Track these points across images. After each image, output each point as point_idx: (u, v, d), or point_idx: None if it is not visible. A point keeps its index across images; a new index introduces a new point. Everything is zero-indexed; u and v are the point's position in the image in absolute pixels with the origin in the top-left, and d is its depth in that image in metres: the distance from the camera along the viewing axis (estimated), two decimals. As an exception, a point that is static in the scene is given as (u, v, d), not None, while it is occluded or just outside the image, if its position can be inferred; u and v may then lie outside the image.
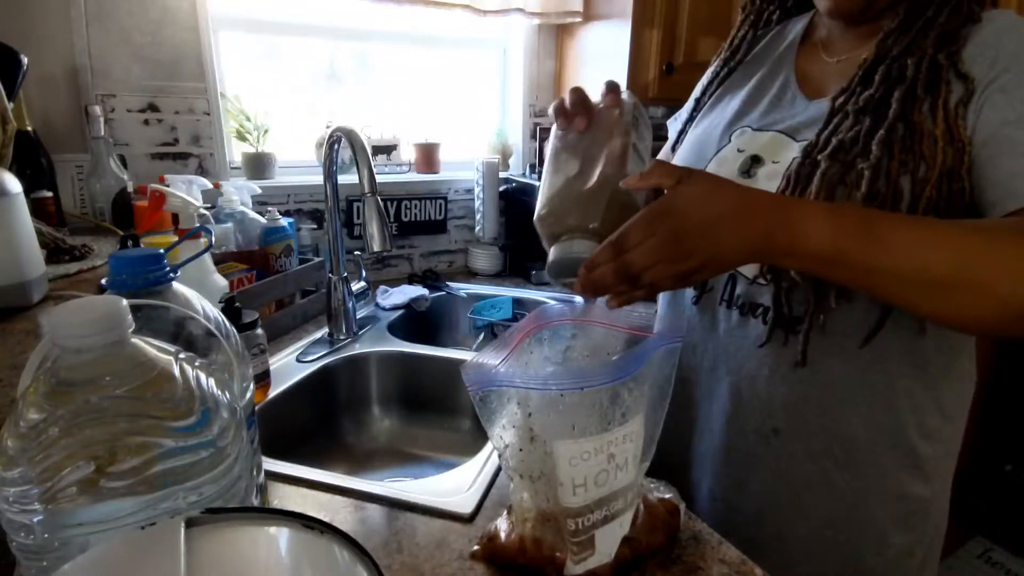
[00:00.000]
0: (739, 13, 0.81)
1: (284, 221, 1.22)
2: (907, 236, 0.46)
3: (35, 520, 0.32)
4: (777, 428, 0.66)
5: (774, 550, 0.66)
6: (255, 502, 0.47)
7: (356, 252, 1.41)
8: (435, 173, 1.71)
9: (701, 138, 0.75)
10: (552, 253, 0.58)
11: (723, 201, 0.46)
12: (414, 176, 1.69)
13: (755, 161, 0.66)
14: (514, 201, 1.71)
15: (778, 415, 0.66)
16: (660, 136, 0.83)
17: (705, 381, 0.72)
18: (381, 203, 0.94)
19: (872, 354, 0.61)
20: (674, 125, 0.87)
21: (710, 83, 0.80)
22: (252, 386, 0.56)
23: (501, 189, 1.69)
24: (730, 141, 0.70)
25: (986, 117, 0.54)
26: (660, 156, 0.89)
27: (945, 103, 0.56)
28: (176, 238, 0.86)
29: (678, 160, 0.78)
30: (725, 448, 0.70)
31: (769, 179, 0.64)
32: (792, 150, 0.63)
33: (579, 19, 1.67)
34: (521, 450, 0.49)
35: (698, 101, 0.81)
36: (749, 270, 0.65)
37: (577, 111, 0.60)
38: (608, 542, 0.50)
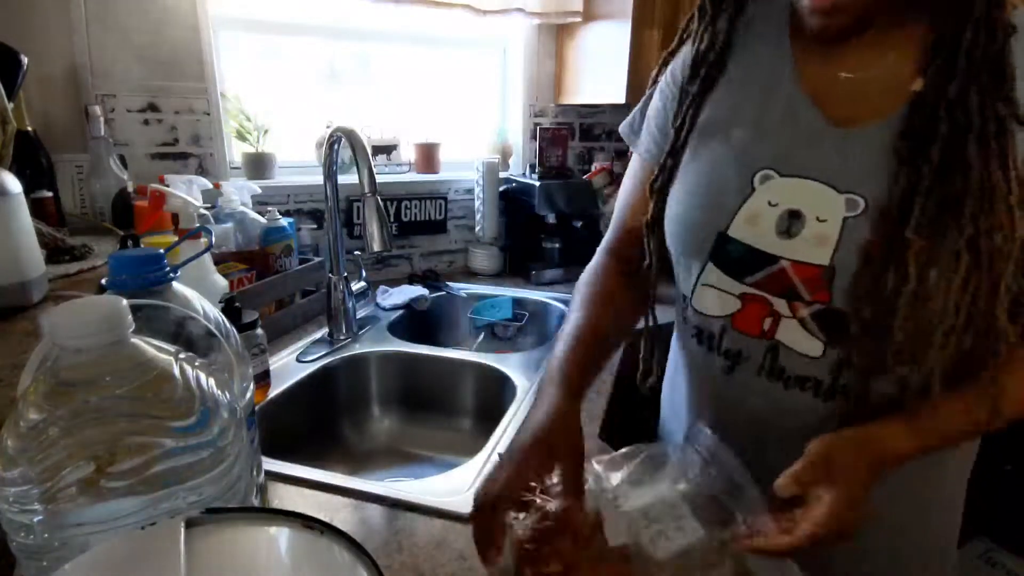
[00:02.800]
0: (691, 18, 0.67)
1: (284, 221, 1.22)
2: (958, 420, 0.55)
3: (35, 520, 0.32)
4: None
5: None
6: (255, 502, 0.47)
7: (356, 252, 1.40)
8: (435, 173, 1.70)
9: (711, 180, 0.63)
10: None
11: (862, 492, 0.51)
12: (414, 176, 1.69)
13: (794, 217, 0.57)
14: (514, 201, 1.71)
15: None
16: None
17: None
18: (381, 203, 0.94)
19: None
20: (640, 148, 0.74)
21: (689, 104, 0.66)
22: (252, 386, 0.56)
23: (501, 189, 1.69)
24: (754, 189, 0.59)
25: None
26: (626, 185, 0.77)
27: (1016, 163, 0.49)
28: (176, 238, 0.86)
29: (680, 206, 0.65)
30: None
31: (818, 244, 0.55)
32: (838, 205, 0.55)
33: (579, 19, 1.67)
34: None
35: (677, 130, 0.66)
36: (802, 345, 0.58)
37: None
38: None
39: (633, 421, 0.84)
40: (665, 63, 0.72)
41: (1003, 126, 0.49)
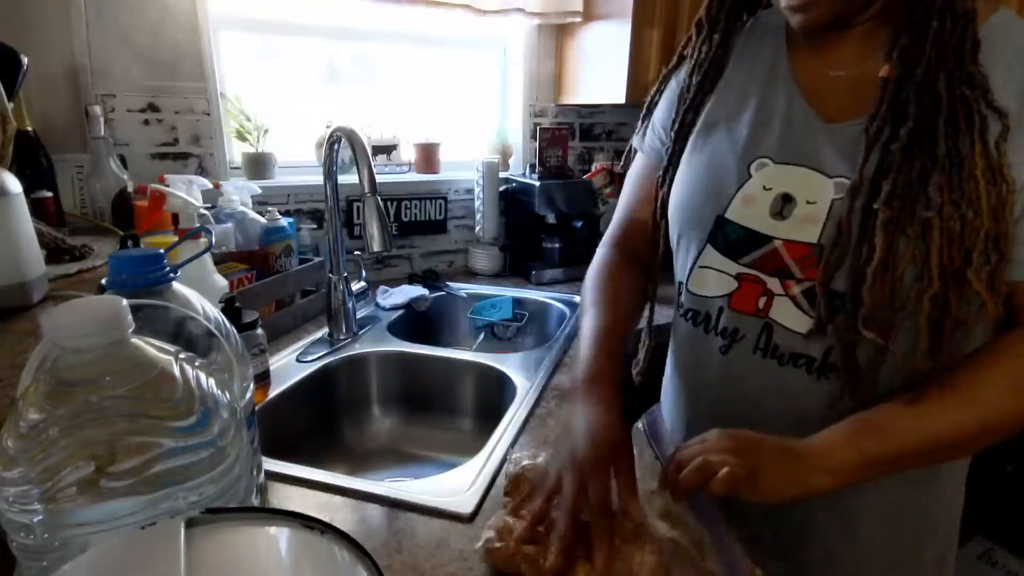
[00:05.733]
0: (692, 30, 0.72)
1: (284, 221, 1.22)
2: (914, 430, 0.55)
3: (35, 520, 0.32)
4: None
5: (820, 570, 0.66)
6: (255, 502, 0.47)
7: (356, 252, 1.40)
8: (435, 173, 1.70)
9: (711, 169, 0.66)
10: None
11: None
12: (414, 176, 1.69)
13: (787, 200, 0.60)
14: (514, 201, 1.71)
15: None
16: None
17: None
18: (381, 203, 0.94)
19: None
20: (644, 146, 0.79)
21: (688, 108, 0.70)
22: (252, 386, 0.56)
23: (501, 189, 1.69)
24: (751, 175, 0.63)
25: None
26: (629, 182, 0.81)
27: (984, 139, 0.52)
28: (176, 238, 0.86)
29: (682, 194, 0.69)
30: None
31: (808, 222, 0.58)
32: (827, 188, 0.58)
33: (579, 19, 1.67)
34: None
35: (679, 130, 0.71)
36: (794, 322, 0.60)
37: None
38: None
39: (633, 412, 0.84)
40: (665, 80, 0.77)
41: (969, 107, 0.52)
